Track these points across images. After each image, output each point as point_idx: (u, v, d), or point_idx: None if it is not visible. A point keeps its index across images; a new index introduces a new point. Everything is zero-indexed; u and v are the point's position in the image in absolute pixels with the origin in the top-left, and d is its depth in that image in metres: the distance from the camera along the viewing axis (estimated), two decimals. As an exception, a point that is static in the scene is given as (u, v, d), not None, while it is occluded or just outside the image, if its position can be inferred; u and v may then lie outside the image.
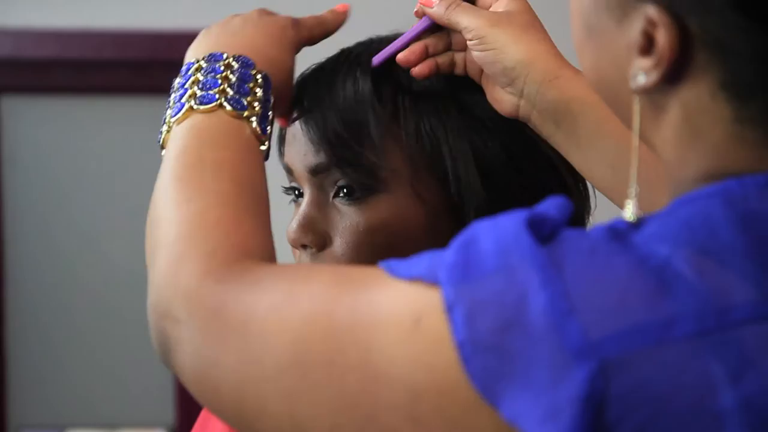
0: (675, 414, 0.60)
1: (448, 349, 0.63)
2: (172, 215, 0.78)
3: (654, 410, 0.60)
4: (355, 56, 0.99)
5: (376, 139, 0.96)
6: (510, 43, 0.93)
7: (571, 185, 1.01)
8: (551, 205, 0.68)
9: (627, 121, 0.72)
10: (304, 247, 0.97)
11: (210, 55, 0.89)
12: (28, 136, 2.59)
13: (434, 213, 0.98)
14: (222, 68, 0.87)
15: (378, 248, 0.96)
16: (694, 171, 0.69)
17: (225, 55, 0.88)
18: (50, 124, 2.59)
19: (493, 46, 0.93)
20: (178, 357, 0.74)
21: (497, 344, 0.62)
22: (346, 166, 0.96)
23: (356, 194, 0.96)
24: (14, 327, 2.61)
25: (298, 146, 0.98)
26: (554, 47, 0.97)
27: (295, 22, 0.95)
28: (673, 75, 0.67)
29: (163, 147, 0.86)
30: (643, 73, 0.68)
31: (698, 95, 0.67)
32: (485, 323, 0.62)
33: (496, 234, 0.65)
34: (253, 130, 0.85)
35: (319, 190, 0.97)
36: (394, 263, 0.69)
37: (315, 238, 0.96)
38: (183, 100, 0.87)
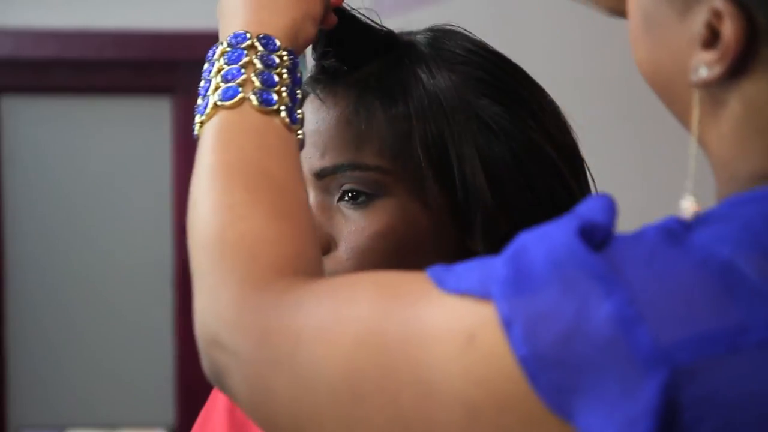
0: (746, 423, 0.59)
1: (508, 364, 0.62)
2: (204, 233, 0.76)
3: (725, 419, 0.59)
4: None
5: (382, 143, 0.96)
6: None
7: (574, 188, 1.01)
8: (597, 209, 0.66)
9: (681, 115, 0.71)
10: None
11: (234, 36, 0.86)
12: (28, 136, 2.59)
13: (440, 218, 0.97)
14: (245, 53, 0.84)
15: (383, 253, 0.95)
16: (751, 169, 0.68)
17: (248, 35, 0.85)
18: (50, 124, 2.59)
19: None
20: (231, 385, 0.73)
21: (561, 357, 0.60)
22: (351, 170, 0.95)
23: (361, 198, 0.95)
24: (14, 327, 2.61)
25: (303, 150, 0.98)
26: None
27: None
28: (737, 69, 0.66)
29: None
30: (705, 66, 0.67)
31: (761, 91, 0.66)
32: (546, 337, 0.61)
33: (548, 245, 0.64)
34: (283, 121, 0.83)
35: (324, 193, 0.96)
36: (441, 273, 0.67)
37: (320, 242, 0.96)
38: (208, 93, 0.83)
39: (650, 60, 0.72)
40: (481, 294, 0.64)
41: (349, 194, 0.95)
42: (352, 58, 0.96)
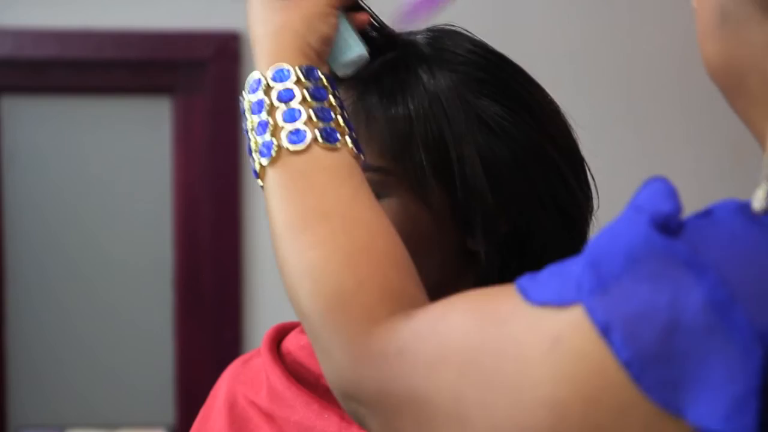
0: None
1: (602, 365, 0.62)
2: (299, 296, 0.79)
3: None
4: None
5: (383, 144, 0.96)
6: None
7: (575, 187, 1.01)
8: (658, 196, 0.65)
9: (747, 111, 0.71)
10: None
11: (277, 72, 0.86)
12: (28, 136, 2.58)
13: (441, 218, 0.97)
14: (295, 90, 0.84)
15: None
16: None
17: (291, 73, 0.85)
18: (50, 124, 2.59)
19: None
20: (372, 428, 0.75)
21: (664, 353, 0.60)
22: None
23: None
24: (14, 327, 2.61)
25: None
26: None
27: None
28: None
29: (260, 178, 0.84)
30: None
31: None
32: (646, 336, 0.61)
33: (624, 243, 0.64)
34: (351, 152, 0.84)
35: None
36: (527, 283, 0.68)
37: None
38: (267, 136, 0.83)
39: (722, 54, 0.71)
40: (563, 301, 0.65)
41: None
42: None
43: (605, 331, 0.62)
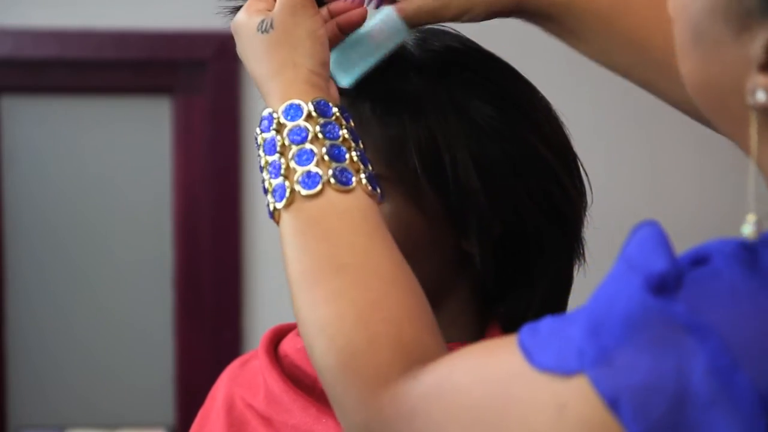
0: None
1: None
2: (313, 349, 0.79)
3: None
4: None
5: (376, 149, 0.96)
6: None
7: (568, 185, 1.01)
8: (651, 249, 0.64)
9: (730, 129, 0.70)
10: None
11: (288, 108, 0.84)
12: (28, 136, 2.58)
13: (435, 222, 0.97)
14: (308, 128, 0.83)
15: None
16: None
17: (303, 109, 0.84)
18: (50, 124, 2.59)
19: None
20: None
21: (675, 424, 0.60)
22: None
23: None
24: (14, 327, 2.61)
25: None
26: None
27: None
28: None
29: (274, 219, 0.84)
30: (764, 91, 0.65)
31: None
32: (656, 409, 0.60)
33: (622, 309, 0.63)
34: (365, 190, 0.83)
35: None
36: (529, 341, 0.68)
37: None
38: (281, 179, 0.82)
39: (699, 73, 0.70)
40: (567, 369, 0.64)
41: None
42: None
43: (613, 403, 0.62)
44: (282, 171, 0.82)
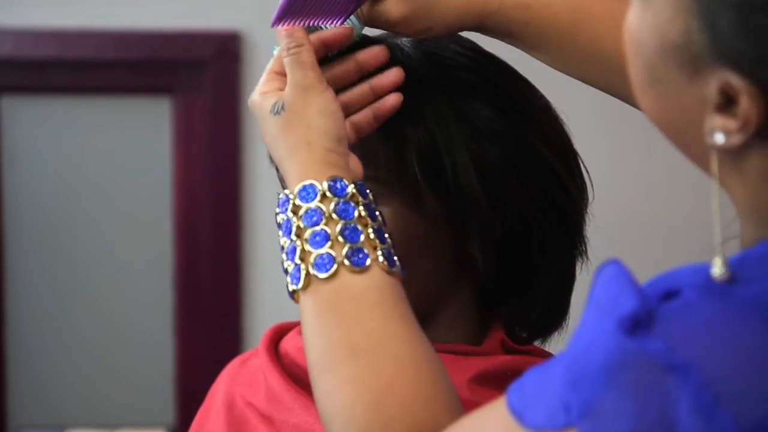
0: None
1: None
2: (331, 426, 0.80)
3: None
4: None
5: (377, 154, 0.95)
6: None
7: (569, 183, 1.01)
8: (617, 290, 0.64)
9: (696, 161, 0.69)
10: None
11: (303, 190, 0.84)
12: (28, 136, 2.58)
13: (436, 226, 0.97)
14: (321, 209, 0.83)
15: None
16: None
17: (318, 189, 0.83)
18: (50, 124, 2.59)
19: None
20: None
21: None
22: None
23: None
24: (14, 327, 2.61)
25: None
26: None
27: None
28: (760, 135, 0.64)
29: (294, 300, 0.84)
30: (723, 133, 0.64)
31: None
32: None
33: (599, 357, 0.62)
34: (382, 267, 0.82)
35: None
36: (517, 401, 0.68)
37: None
38: (297, 260, 0.82)
39: (658, 111, 0.70)
40: (556, 426, 0.64)
41: None
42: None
43: None
44: (298, 254, 0.82)
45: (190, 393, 2.55)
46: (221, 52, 2.41)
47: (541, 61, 0.96)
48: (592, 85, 0.96)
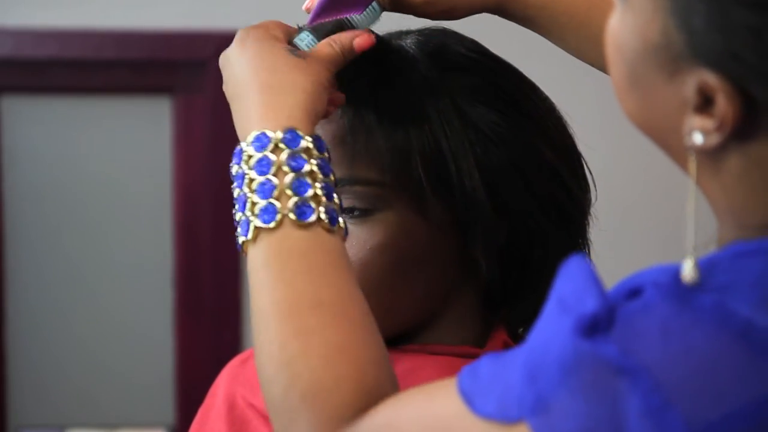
0: None
1: None
2: (270, 393, 0.79)
3: None
4: None
5: (381, 158, 0.95)
6: None
7: (573, 186, 1.01)
8: (580, 288, 0.64)
9: (678, 162, 0.70)
10: None
11: (256, 140, 0.82)
12: (28, 136, 2.58)
13: (440, 230, 0.97)
14: (272, 158, 0.81)
15: (384, 266, 0.95)
16: (762, 219, 0.65)
17: (270, 136, 0.82)
18: (50, 124, 2.59)
19: None
20: None
21: None
22: (350, 185, 0.95)
23: (357, 213, 0.95)
24: (14, 327, 2.61)
25: None
26: None
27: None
28: (738, 136, 0.64)
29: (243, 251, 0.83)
30: (701, 133, 0.65)
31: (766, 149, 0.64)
32: None
33: (556, 355, 0.63)
34: (324, 227, 0.82)
35: None
36: (469, 387, 0.68)
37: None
38: (246, 211, 0.81)
39: (639, 112, 0.71)
40: (507, 418, 0.65)
41: (348, 209, 0.95)
42: (344, 72, 0.94)
43: None
44: (248, 206, 0.81)
45: (190, 393, 2.55)
46: (221, 52, 2.41)
47: (558, 46, 0.98)
48: (603, 71, 0.96)
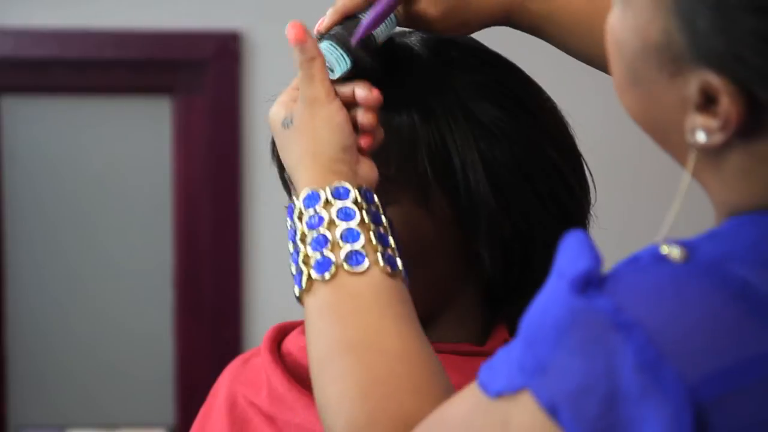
0: None
1: None
2: (323, 419, 0.82)
3: None
4: None
5: (387, 152, 0.96)
6: None
7: (574, 185, 1.01)
8: (575, 255, 0.65)
9: (678, 159, 0.71)
10: None
11: (307, 198, 0.86)
12: (28, 136, 2.58)
13: (444, 224, 0.98)
14: (323, 214, 0.85)
15: None
16: (758, 203, 0.66)
17: (321, 196, 0.86)
18: (50, 124, 2.59)
19: None
20: None
21: (612, 422, 0.61)
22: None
23: None
24: (14, 327, 2.61)
25: None
26: None
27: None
28: (741, 134, 0.65)
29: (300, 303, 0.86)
30: (704, 132, 0.66)
31: None
32: (592, 411, 0.61)
33: (552, 317, 0.64)
34: (383, 271, 0.84)
35: None
36: (485, 376, 0.69)
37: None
38: (300, 264, 0.85)
39: (639, 110, 0.72)
40: (513, 387, 0.66)
41: None
42: (351, 67, 0.95)
43: (552, 411, 0.63)
44: (301, 258, 0.85)
45: (190, 393, 2.55)
46: (221, 52, 2.41)
47: (565, 53, 1.00)
48: (607, 72, 0.98)
